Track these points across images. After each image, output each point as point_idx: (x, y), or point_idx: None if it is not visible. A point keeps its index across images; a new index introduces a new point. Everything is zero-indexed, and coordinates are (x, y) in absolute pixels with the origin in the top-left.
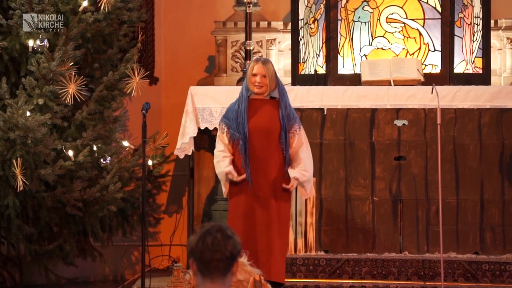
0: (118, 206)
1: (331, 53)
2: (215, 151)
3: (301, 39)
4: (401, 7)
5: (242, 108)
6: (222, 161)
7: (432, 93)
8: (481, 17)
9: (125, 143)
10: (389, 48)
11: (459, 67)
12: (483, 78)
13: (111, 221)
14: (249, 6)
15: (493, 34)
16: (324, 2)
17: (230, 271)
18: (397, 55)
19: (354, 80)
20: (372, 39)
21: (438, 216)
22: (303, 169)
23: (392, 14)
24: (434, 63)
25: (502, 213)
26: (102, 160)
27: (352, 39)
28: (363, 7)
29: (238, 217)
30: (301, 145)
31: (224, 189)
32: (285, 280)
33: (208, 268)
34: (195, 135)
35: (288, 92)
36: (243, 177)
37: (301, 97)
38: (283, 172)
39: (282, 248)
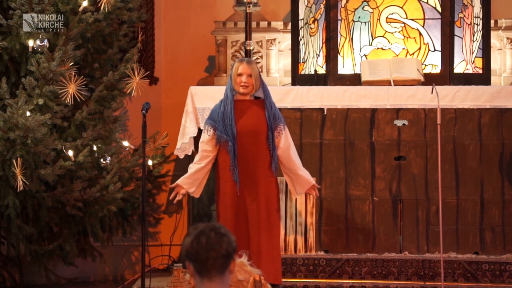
0: (118, 206)
1: (331, 53)
2: (194, 160)
3: (301, 39)
4: (401, 7)
5: (229, 109)
6: (189, 169)
7: (432, 93)
8: (481, 17)
9: (125, 143)
10: (389, 48)
11: (459, 67)
12: (483, 78)
13: (111, 221)
14: (249, 6)
15: (493, 34)
16: (324, 2)
17: (228, 269)
18: (397, 55)
19: (354, 80)
20: (372, 39)
21: (438, 216)
22: (305, 171)
23: (392, 14)
24: (434, 63)
25: (502, 213)
26: (102, 160)
27: (352, 39)
28: (363, 7)
29: (228, 219)
30: (289, 145)
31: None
32: (285, 280)
33: (205, 267)
34: (195, 135)
35: (288, 92)
36: (178, 198)
37: (301, 97)
38: (270, 172)
39: (274, 248)
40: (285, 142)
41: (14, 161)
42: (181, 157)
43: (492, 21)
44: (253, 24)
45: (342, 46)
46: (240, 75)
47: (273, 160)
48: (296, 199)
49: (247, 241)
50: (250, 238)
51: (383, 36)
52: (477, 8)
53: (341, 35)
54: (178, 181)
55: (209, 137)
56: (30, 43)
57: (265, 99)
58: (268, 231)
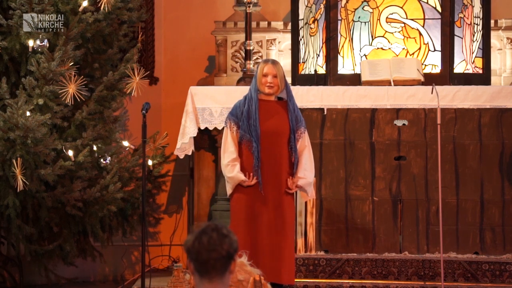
0: (118, 206)
1: (331, 53)
2: (226, 152)
3: (301, 39)
4: (401, 7)
5: (253, 109)
6: (233, 166)
7: (432, 93)
8: (481, 17)
9: (125, 143)
10: (389, 48)
11: (459, 67)
12: (483, 78)
13: (111, 221)
14: (249, 6)
15: (493, 34)
16: (324, 2)
17: (228, 269)
18: (397, 55)
19: (354, 80)
20: (372, 39)
21: (438, 216)
22: (301, 175)
23: (392, 14)
24: (434, 63)
25: (502, 213)
26: (102, 160)
27: (352, 39)
28: (363, 7)
29: (245, 219)
30: (304, 148)
31: (231, 190)
32: None
33: (205, 268)
34: (195, 135)
35: None
36: (254, 182)
37: (301, 97)
38: (291, 174)
39: (291, 250)
40: (301, 146)
41: (14, 161)
42: (181, 157)
43: (492, 21)
44: (253, 24)
45: (342, 46)
46: (265, 75)
47: (294, 162)
48: (296, 199)
49: (263, 243)
50: (267, 239)
51: (383, 36)
52: (477, 8)
53: (341, 35)
54: (244, 178)
55: (233, 134)
56: (30, 43)
57: (288, 100)
58: (286, 232)
